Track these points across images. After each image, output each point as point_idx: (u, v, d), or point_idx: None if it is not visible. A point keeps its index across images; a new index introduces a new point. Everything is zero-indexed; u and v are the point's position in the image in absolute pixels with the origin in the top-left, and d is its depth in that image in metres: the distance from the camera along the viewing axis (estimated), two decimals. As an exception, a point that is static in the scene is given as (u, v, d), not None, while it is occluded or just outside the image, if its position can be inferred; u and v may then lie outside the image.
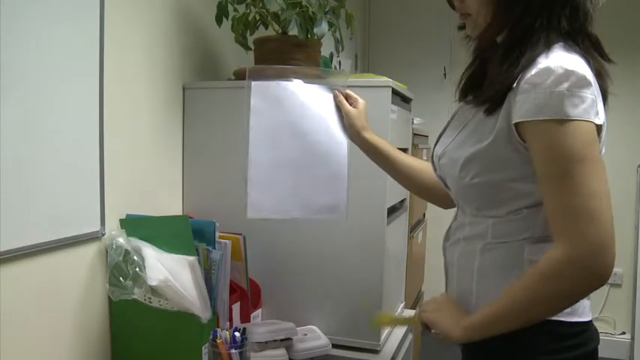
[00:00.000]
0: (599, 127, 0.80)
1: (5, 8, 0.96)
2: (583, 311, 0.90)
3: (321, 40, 1.51)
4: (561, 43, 0.84)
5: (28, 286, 1.07)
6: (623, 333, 3.44)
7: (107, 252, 1.23)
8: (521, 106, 0.81)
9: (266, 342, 1.29)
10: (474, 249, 0.94)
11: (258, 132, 1.23)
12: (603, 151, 0.86)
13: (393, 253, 1.57)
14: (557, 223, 0.81)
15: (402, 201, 1.71)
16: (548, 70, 0.79)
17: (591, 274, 0.79)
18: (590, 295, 0.91)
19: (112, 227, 1.27)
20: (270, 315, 1.48)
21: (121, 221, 1.28)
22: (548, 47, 0.84)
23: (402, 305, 1.80)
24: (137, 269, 1.17)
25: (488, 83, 0.91)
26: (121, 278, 1.19)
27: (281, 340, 1.31)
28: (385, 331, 1.49)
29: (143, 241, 1.22)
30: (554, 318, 0.86)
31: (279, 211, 1.19)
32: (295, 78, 1.22)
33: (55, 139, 1.10)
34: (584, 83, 0.78)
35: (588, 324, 0.91)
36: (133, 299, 1.18)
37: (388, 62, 3.62)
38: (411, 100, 1.71)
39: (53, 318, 1.14)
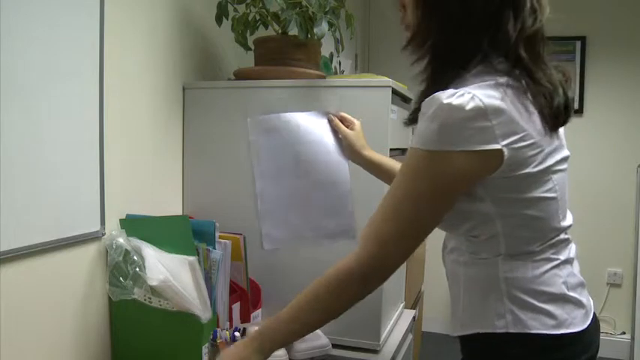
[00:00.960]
0: (497, 151, 0.80)
1: (5, 8, 0.96)
2: (572, 322, 0.89)
3: (321, 40, 1.51)
4: (480, 66, 0.86)
5: (28, 286, 1.07)
6: (623, 333, 3.44)
7: (107, 252, 1.23)
8: (415, 133, 0.86)
9: (266, 342, 1.29)
10: (459, 261, 0.97)
11: (261, 165, 1.27)
12: (556, 158, 0.88)
13: (393, 253, 1.56)
14: (369, 225, 0.90)
15: (402, 201, 1.71)
16: (431, 102, 0.82)
17: (361, 287, 0.92)
18: (583, 300, 0.93)
19: (112, 227, 1.27)
20: (270, 315, 1.47)
21: (121, 221, 1.28)
22: (463, 70, 0.86)
23: (402, 305, 1.80)
24: (137, 269, 1.17)
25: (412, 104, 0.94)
26: (121, 278, 1.19)
27: (281, 340, 1.31)
28: (385, 332, 1.49)
29: (143, 241, 1.22)
30: (538, 331, 0.87)
31: (292, 239, 1.24)
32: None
33: (55, 140, 1.10)
34: (468, 115, 0.79)
35: (580, 334, 0.90)
36: (133, 299, 1.18)
37: (388, 62, 3.62)
38: (411, 100, 1.71)
39: (53, 318, 1.14)
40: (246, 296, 1.40)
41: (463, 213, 0.89)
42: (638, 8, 3.30)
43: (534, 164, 0.84)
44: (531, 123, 0.84)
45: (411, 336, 1.78)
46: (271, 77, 1.47)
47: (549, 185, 0.88)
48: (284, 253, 1.48)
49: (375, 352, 1.42)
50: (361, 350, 1.42)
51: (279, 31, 1.51)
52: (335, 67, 2.59)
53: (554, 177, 0.89)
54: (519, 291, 0.89)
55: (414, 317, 1.80)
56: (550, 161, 0.87)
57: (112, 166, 1.27)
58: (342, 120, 1.33)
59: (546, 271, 0.90)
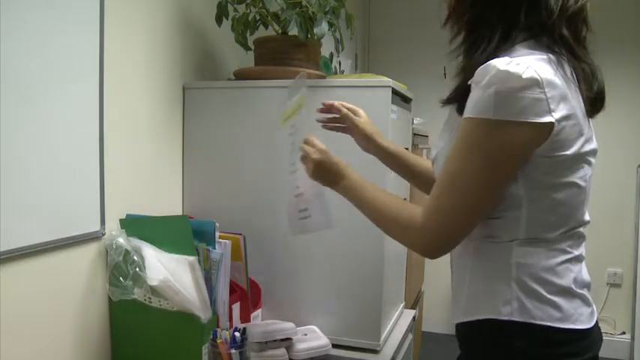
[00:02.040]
0: (549, 124, 0.79)
1: (6, 9, 0.96)
2: (578, 318, 0.88)
3: (321, 40, 1.51)
4: (527, 42, 0.85)
5: (28, 286, 1.07)
6: (623, 333, 3.44)
7: (107, 252, 1.23)
8: (467, 103, 0.83)
9: (266, 342, 1.29)
10: (467, 248, 0.94)
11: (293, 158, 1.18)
12: (590, 147, 0.87)
13: (393, 253, 1.57)
14: (430, 198, 0.88)
15: (402, 201, 1.71)
16: (486, 69, 0.80)
17: (421, 249, 0.91)
18: (591, 301, 0.93)
19: (112, 227, 1.27)
20: (270, 315, 1.48)
21: (121, 221, 1.28)
22: (506, 44, 0.85)
23: (402, 305, 1.80)
24: (137, 269, 1.17)
25: (453, 81, 0.92)
26: (121, 278, 1.19)
27: (281, 340, 1.31)
28: (385, 332, 1.49)
29: (143, 241, 1.22)
30: (543, 323, 0.85)
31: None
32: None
33: (55, 140, 1.10)
34: (524, 84, 0.78)
35: (585, 332, 0.88)
36: (133, 299, 1.18)
37: (388, 62, 3.62)
38: (411, 100, 1.71)
39: (53, 318, 1.14)
40: (246, 296, 1.40)
41: None
42: (638, 8, 3.30)
43: (574, 147, 0.83)
44: (578, 102, 0.83)
45: (411, 336, 1.78)
46: (271, 77, 1.47)
47: (581, 173, 0.87)
48: (284, 253, 1.48)
49: (375, 352, 1.42)
50: (361, 350, 1.42)
51: (279, 31, 1.51)
52: (335, 67, 2.59)
53: (587, 167, 0.89)
54: (529, 278, 0.87)
55: (414, 317, 1.80)
56: (586, 148, 0.87)
57: (112, 166, 1.27)
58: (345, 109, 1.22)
59: (559, 263, 0.88)
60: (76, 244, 1.18)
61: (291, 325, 1.35)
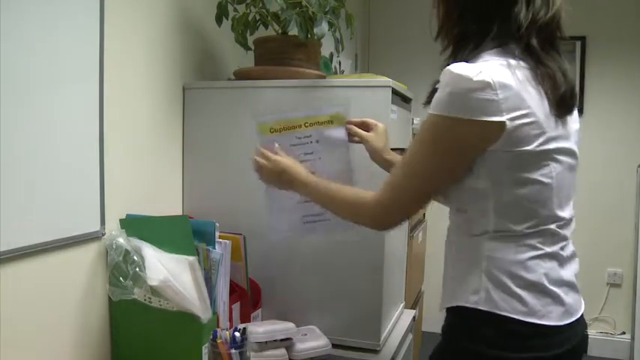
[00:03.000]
0: (499, 123, 0.87)
1: (5, 8, 0.96)
2: (546, 315, 0.91)
3: (321, 40, 1.51)
4: (495, 49, 0.94)
5: (28, 286, 1.07)
6: (623, 333, 3.44)
7: (107, 252, 1.23)
8: (432, 102, 0.94)
9: (266, 342, 1.29)
10: (449, 242, 1.04)
11: None
12: (558, 145, 0.92)
13: (393, 253, 1.57)
14: (388, 177, 1.02)
15: (402, 201, 1.71)
16: (444, 73, 0.90)
17: (375, 222, 1.06)
18: (566, 300, 0.94)
19: (112, 227, 1.27)
20: (270, 315, 1.48)
21: (121, 221, 1.28)
22: (476, 51, 0.94)
23: (402, 305, 1.80)
24: (137, 269, 1.17)
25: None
26: (121, 278, 1.19)
27: (281, 340, 1.31)
28: (385, 332, 1.49)
29: (143, 241, 1.22)
30: (507, 314, 0.90)
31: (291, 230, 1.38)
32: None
33: (55, 139, 1.10)
34: (476, 86, 0.86)
35: (554, 329, 0.92)
36: (133, 299, 1.18)
37: (388, 62, 3.62)
38: (411, 100, 1.71)
39: (53, 318, 1.14)
40: (246, 296, 1.40)
41: (460, 187, 0.96)
42: (638, 8, 3.30)
43: (535, 144, 0.89)
44: (539, 104, 0.90)
45: (411, 336, 1.78)
46: (271, 77, 1.47)
47: (546, 170, 0.92)
48: (284, 253, 1.48)
49: (375, 352, 1.42)
50: (361, 350, 1.42)
51: (279, 31, 1.51)
52: (335, 67, 2.59)
53: (554, 164, 0.92)
54: (498, 271, 0.93)
55: (414, 317, 1.80)
56: (550, 146, 0.91)
57: (112, 166, 1.27)
58: (366, 124, 1.33)
59: (529, 258, 0.93)
60: (76, 244, 1.18)
61: (291, 325, 1.35)
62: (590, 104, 3.46)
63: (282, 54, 1.49)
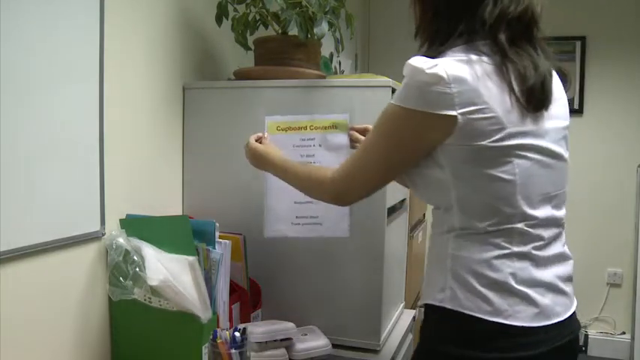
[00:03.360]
0: (452, 117, 0.88)
1: (5, 8, 0.96)
2: (513, 315, 0.90)
3: (321, 40, 1.51)
4: (460, 46, 0.94)
5: (28, 286, 1.07)
6: (623, 333, 3.43)
7: (107, 252, 1.23)
8: None
9: (266, 342, 1.29)
10: (429, 241, 1.05)
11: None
12: (523, 141, 0.90)
13: (393, 253, 1.57)
14: (346, 159, 1.07)
15: (402, 201, 1.71)
16: (405, 66, 0.93)
17: (331, 196, 1.10)
18: (542, 301, 0.91)
19: (112, 227, 1.27)
20: (270, 315, 1.48)
21: (121, 221, 1.28)
22: (442, 48, 0.95)
23: (402, 305, 1.80)
24: (137, 269, 1.17)
25: None
26: (121, 278, 1.19)
27: (281, 340, 1.31)
28: (385, 332, 1.49)
29: (143, 241, 1.22)
30: (472, 313, 0.90)
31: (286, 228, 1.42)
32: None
33: (55, 140, 1.10)
34: (429, 79, 0.89)
35: (523, 330, 0.90)
36: (133, 299, 1.18)
37: (388, 62, 3.62)
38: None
39: (53, 318, 1.14)
40: (246, 296, 1.40)
41: (426, 178, 0.98)
42: (638, 8, 3.30)
43: (492, 139, 0.89)
44: (498, 99, 0.89)
45: (411, 336, 1.78)
46: (271, 77, 1.47)
47: (507, 167, 0.90)
48: (284, 253, 1.48)
49: (375, 352, 1.42)
50: (361, 350, 1.42)
51: (279, 31, 1.51)
52: (335, 67, 2.59)
53: (518, 161, 0.91)
54: (463, 269, 0.93)
55: (413, 317, 1.80)
56: (512, 142, 0.90)
57: (112, 166, 1.27)
58: (368, 131, 1.32)
59: (494, 257, 0.92)
60: (76, 244, 1.18)
61: (291, 325, 1.35)
62: (590, 104, 3.46)
63: (282, 54, 1.49)
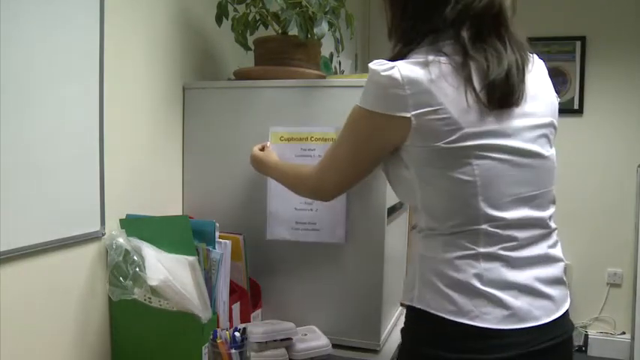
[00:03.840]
0: (406, 119, 0.90)
1: (5, 8, 0.96)
2: (479, 316, 0.88)
3: (321, 40, 1.51)
4: (424, 47, 0.94)
5: (28, 286, 1.07)
6: (623, 333, 3.44)
7: (107, 252, 1.23)
8: None
9: (266, 342, 1.29)
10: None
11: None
12: (483, 142, 0.89)
13: (393, 253, 1.57)
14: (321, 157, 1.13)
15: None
16: (369, 68, 0.95)
17: (311, 193, 1.21)
18: (514, 303, 0.89)
19: (112, 227, 1.27)
20: (270, 315, 1.48)
21: (121, 221, 1.28)
22: (406, 49, 0.96)
23: (402, 305, 1.80)
24: (137, 269, 1.17)
25: None
26: (121, 278, 1.19)
27: (281, 340, 1.31)
28: (385, 332, 1.49)
29: (143, 241, 1.22)
30: (438, 313, 0.91)
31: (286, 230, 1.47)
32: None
33: (55, 140, 1.10)
34: (385, 82, 0.90)
35: (491, 331, 0.88)
36: (133, 299, 1.18)
37: (388, 62, 3.62)
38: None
39: (53, 318, 1.14)
40: (246, 296, 1.40)
41: (397, 177, 1.00)
42: (638, 8, 3.30)
43: (447, 139, 0.88)
44: (454, 100, 0.88)
45: (411, 336, 1.77)
46: (271, 77, 1.47)
47: (466, 168, 0.89)
48: (284, 253, 1.48)
49: (375, 352, 1.42)
50: (361, 350, 1.42)
51: (279, 31, 1.51)
52: (335, 67, 2.59)
53: (478, 162, 0.89)
54: (428, 269, 0.94)
55: (414, 317, 1.79)
56: (469, 142, 0.88)
57: (112, 166, 1.27)
58: None
59: (457, 258, 0.91)
60: (76, 244, 1.18)
61: (291, 325, 1.35)
62: (590, 104, 3.46)
63: (282, 54, 1.49)
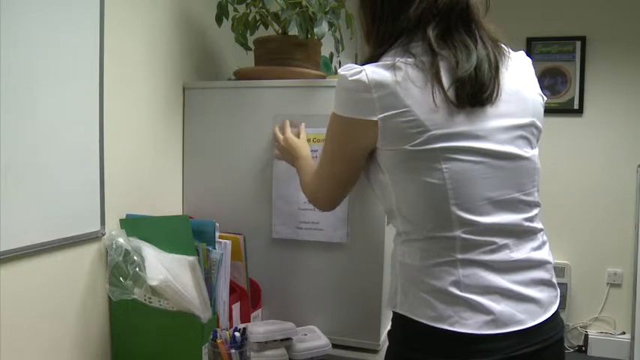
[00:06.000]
0: (374, 122, 0.90)
1: (6, 8, 0.96)
2: (459, 322, 0.87)
3: (321, 40, 1.51)
4: (395, 49, 0.93)
5: (28, 285, 1.07)
6: (623, 333, 3.44)
7: (107, 252, 1.23)
8: None
9: (266, 342, 1.29)
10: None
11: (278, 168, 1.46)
12: (453, 144, 0.87)
13: (393, 253, 1.57)
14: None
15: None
16: (338, 73, 0.95)
17: (310, 201, 1.21)
18: (495, 308, 0.87)
19: (112, 227, 1.27)
20: (270, 315, 1.48)
21: (121, 221, 1.28)
22: (377, 52, 0.96)
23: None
24: (137, 269, 1.17)
25: None
26: (121, 278, 1.19)
27: (281, 340, 1.31)
28: (385, 331, 1.49)
29: (143, 241, 1.22)
30: (419, 319, 0.91)
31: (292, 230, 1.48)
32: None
33: (55, 139, 1.10)
34: (352, 86, 0.91)
35: (472, 337, 0.87)
36: (133, 299, 1.18)
37: (388, 62, 3.62)
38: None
39: (53, 318, 1.14)
40: (246, 296, 1.41)
41: (375, 182, 1.00)
42: (638, 8, 3.30)
43: (414, 142, 0.88)
44: (420, 101, 0.87)
45: (411, 336, 1.77)
46: (271, 77, 1.47)
47: (435, 171, 0.87)
48: (284, 253, 1.48)
49: (375, 352, 1.42)
50: (361, 350, 1.42)
51: (279, 31, 1.51)
52: (335, 67, 2.58)
53: (447, 165, 0.87)
54: (408, 277, 0.95)
55: (414, 317, 1.79)
56: (437, 145, 0.87)
57: (112, 166, 1.27)
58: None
59: (434, 265, 0.90)
60: (76, 244, 1.18)
61: (291, 325, 1.35)
62: (590, 104, 3.46)
63: (282, 54, 1.49)
